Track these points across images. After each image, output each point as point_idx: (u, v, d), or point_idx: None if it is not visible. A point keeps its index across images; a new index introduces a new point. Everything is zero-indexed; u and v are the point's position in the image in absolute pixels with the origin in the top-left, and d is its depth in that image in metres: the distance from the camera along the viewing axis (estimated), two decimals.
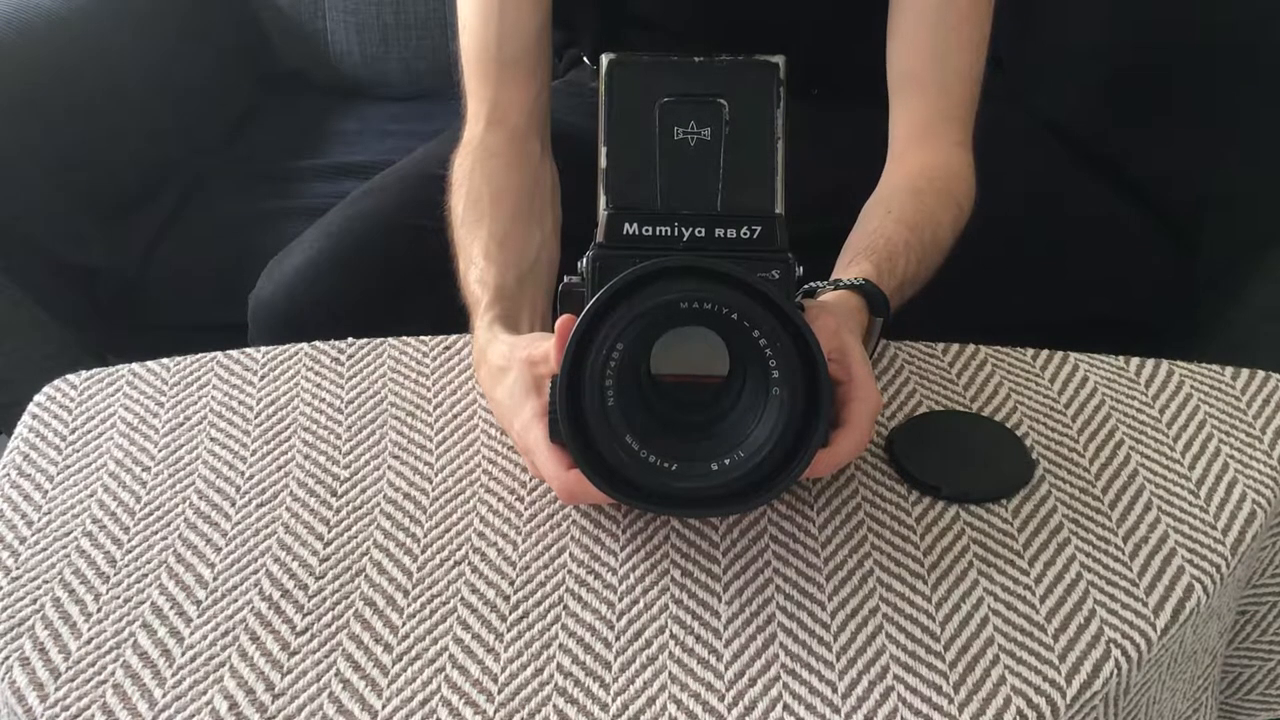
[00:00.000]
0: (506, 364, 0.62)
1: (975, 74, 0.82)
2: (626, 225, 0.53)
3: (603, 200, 0.54)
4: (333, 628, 0.55)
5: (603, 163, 0.54)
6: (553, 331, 0.55)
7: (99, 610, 0.56)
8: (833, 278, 0.68)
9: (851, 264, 0.69)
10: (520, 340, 0.63)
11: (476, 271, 0.72)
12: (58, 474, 0.65)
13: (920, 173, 0.78)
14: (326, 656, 0.53)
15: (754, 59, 0.55)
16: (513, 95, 0.83)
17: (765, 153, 0.54)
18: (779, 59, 0.55)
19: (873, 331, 0.68)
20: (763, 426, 0.51)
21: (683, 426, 0.53)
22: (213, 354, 0.74)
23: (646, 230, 0.53)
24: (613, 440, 0.51)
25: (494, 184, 0.78)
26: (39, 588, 0.57)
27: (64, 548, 0.60)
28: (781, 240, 0.53)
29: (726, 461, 0.51)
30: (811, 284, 0.66)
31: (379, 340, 0.75)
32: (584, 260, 0.54)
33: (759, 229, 0.53)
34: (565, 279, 0.56)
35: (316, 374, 0.72)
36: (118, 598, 0.57)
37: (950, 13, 0.80)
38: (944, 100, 0.81)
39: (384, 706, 0.51)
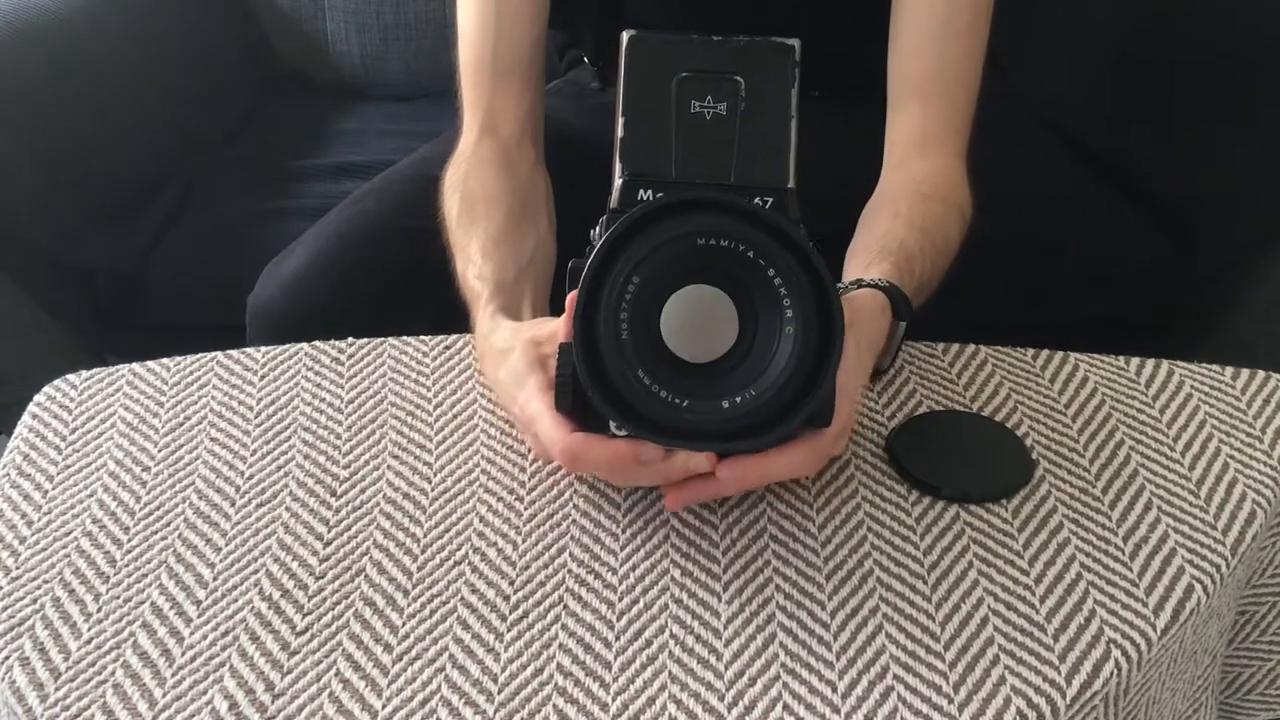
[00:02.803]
0: (510, 345, 0.62)
1: (976, 85, 0.82)
2: (641, 192, 0.53)
3: (618, 168, 0.54)
4: (333, 628, 0.55)
5: (620, 132, 0.54)
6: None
7: (99, 610, 0.56)
8: (852, 278, 0.67)
9: (870, 266, 0.68)
10: (524, 325, 0.64)
11: (475, 269, 0.72)
12: (58, 474, 0.65)
13: (925, 179, 0.78)
14: (326, 656, 0.53)
15: (770, 40, 0.55)
16: (506, 105, 0.84)
17: (780, 129, 0.54)
18: (795, 41, 0.55)
19: (895, 336, 0.67)
20: (775, 365, 0.51)
21: (694, 368, 0.53)
22: (213, 354, 0.74)
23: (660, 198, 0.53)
24: (625, 372, 0.51)
25: (487, 189, 0.78)
26: (39, 588, 0.57)
27: (64, 548, 0.60)
28: (793, 212, 0.54)
29: (738, 399, 0.51)
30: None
31: (379, 340, 0.75)
32: (595, 230, 0.54)
33: (771, 200, 0.53)
34: (573, 261, 0.56)
35: (316, 374, 0.72)
36: (118, 598, 0.57)
37: (954, 23, 0.80)
38: (946, 110, 0.81)
39: (384, 706, 0.51)
